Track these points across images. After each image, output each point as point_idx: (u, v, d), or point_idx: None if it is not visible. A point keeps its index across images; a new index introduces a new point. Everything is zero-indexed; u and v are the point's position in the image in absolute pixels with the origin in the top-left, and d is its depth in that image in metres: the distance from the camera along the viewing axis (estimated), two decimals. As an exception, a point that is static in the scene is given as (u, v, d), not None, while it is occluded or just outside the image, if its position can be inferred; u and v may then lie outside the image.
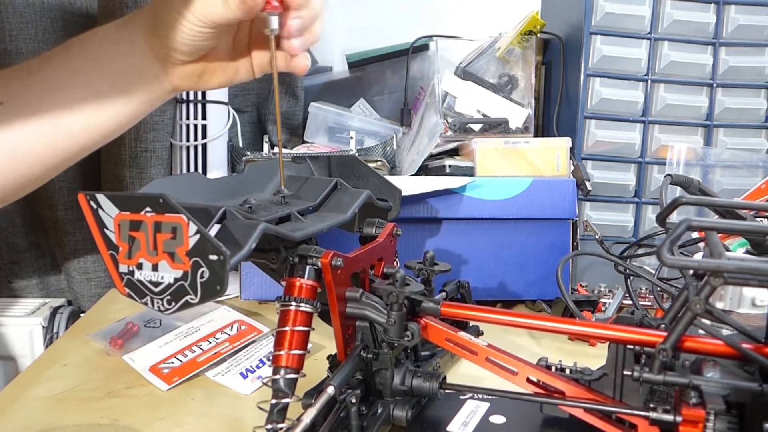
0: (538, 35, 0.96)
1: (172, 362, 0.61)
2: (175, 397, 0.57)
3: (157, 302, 0.37)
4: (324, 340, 0.63)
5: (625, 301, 0.77)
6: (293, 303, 0.43)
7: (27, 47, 0.86)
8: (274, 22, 0.46)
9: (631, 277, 0.73)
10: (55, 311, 0.86)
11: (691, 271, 0.38)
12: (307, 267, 0.43)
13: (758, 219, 0.60)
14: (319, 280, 0.44)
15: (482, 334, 0.64)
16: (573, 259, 0.87)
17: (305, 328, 0.43)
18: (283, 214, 0.45)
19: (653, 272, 0.73)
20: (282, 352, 0.42)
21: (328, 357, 0.49)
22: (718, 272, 0.34)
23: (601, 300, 0.76)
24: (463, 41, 0.97)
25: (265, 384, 0.43)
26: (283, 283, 0.44)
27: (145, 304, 0.38)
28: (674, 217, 0.45)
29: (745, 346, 0.38)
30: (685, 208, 0.80)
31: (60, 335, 0.83)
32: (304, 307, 0.43)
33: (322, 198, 0.51)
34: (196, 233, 0.35)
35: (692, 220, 0.38)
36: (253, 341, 0.67)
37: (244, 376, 0.60)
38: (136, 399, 0.56)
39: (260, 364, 0.62)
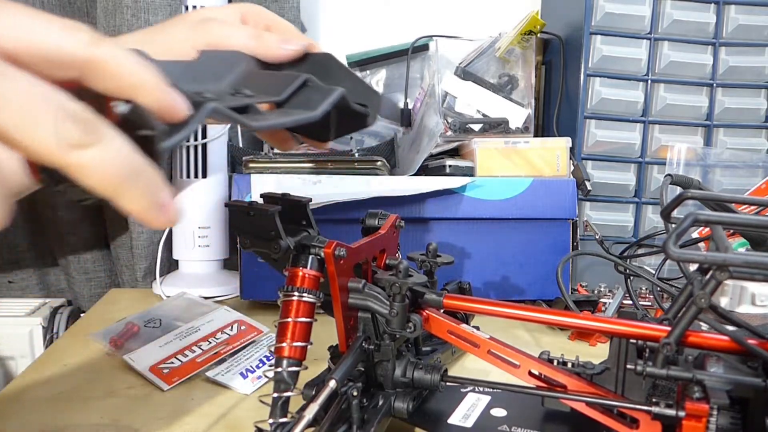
0: (538, 35, 0.96)
1: (172, 362, 0.61)
2: (175, 397, 0.56)
3: None
4: (324, 334, 0.63)
5: (625, 301, 0.76)
6: (296, 293, 0.43)
7: (27, 47, 0.86)
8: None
9: (631, 277, 0.73)
10: (55, 311, 0.86)
11: (695, 266, 0.38)
12: (310, 257, 0.43)
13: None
14: (321, 271, 0.43)
15: (483, 333, 0.63)
16: (573, 259, 0.87)
17: (308, 319, 0.43)
18: (240, 105, 0.35)
19: (653, 272, 0.73)
20: (284, 344, 0.42)
21: (329, 348, 0.49)
22: (724, 266, 0.34)
23: (601, 300, 0.75)
24: (463, 41, 0.97)
25: (269, 379, 0.42)
26: (286, 273, 0.44)
27: None
28: (675, 215, 0.45)
29: (749, 341, 0.38)
30: (685, 207, 0.80)
31: (60, 335, 0.83)
32: (307, 298, 0.43)
33: (288, 94, 0.40)
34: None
35: (699, 214, 0.38)
36: (253, 341, 0.66)
37: (244, 376, 0.60)
38: (136, 399, 0.56)
39: (260, 364, 0.62)
